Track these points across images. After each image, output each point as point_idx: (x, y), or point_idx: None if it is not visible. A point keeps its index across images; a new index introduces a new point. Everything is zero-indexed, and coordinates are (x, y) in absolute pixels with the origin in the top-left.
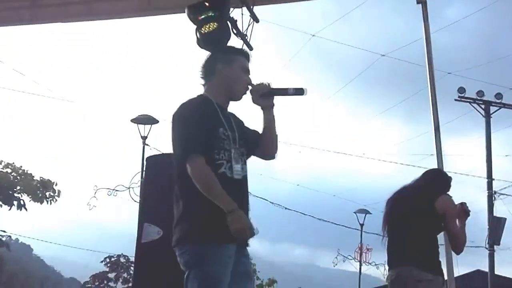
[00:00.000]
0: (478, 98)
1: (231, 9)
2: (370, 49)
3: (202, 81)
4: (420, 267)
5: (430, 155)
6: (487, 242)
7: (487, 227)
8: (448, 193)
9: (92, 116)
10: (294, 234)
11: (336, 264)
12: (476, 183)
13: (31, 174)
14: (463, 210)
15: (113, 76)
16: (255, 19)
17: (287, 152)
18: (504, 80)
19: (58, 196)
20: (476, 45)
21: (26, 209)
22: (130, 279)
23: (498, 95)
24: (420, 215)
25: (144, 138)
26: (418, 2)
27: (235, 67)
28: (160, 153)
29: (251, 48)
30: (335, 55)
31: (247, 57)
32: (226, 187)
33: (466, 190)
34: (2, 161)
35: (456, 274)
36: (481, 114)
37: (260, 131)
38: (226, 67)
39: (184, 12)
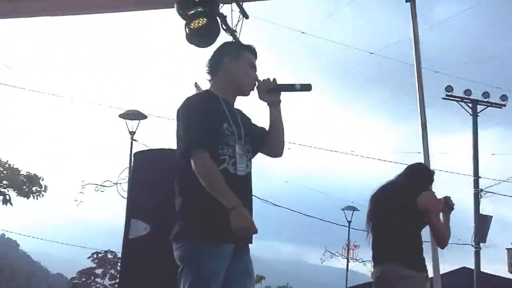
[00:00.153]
0: (466, 96)
1: (221, 4)
2: (360, 47)
3: (208, 77)
4: (403, 264)
5: (417, 152)
6: (473, 240)
7: (474, 225)
8: (431, 188)
9: (80, 111)
10: (282, 230)
11: (324, 261)
12: (463, 181)
13: (17, 168)
14: (447, 204)
15: (102, 71)
16: (244, 15)
17: None
18: (491, 79)
19: (45, 191)
20: (464, 45)
21: (11, 204)
22: (117, 275)
23: (485, 94)
24: (403, 211)
25: (132, 133)
26: (406, 1)
27: (241, 62)
28: (148, 148)
29: None
30: (325, 52)
31: (254, 53)
32: (229, 183)
33: (452, 188)
34: None
35: (442, 271)
36: (468, 112)
37: (267, 128)
38: (232, 62)
39: (173, 7)
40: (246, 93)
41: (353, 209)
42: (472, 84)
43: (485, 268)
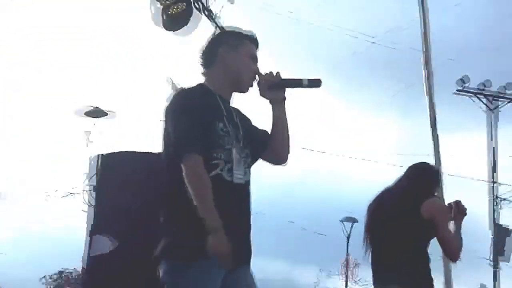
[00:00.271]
0: (481, 90)
1: None
2: (359, 31)
3: (202, 69)
4: (407, 285)
5: (426, 155)
6: (490, 256)
7: (491, 236)
8: (437, 190)
9: (37, 108)
10: (271, 245)
11: (318, 284)
12: (478, 187)
13: None
14: (458, 210)
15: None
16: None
17: None
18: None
19: None
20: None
21: None
22: None
23: (505, 87)
24: (404, 223)
25: (88, 133)
26: None
27: (240, 52)
28: (111, 151)
29: (223, 31)
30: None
31: (255, 43)
32: (222, 191)
33: (466, 195)
34: None
35: None
36: (485, 108)
37: (269, 130)
38: (229, 52)
39: None
40: (244, 89)
41: (353, 220)
42: (490, 75)
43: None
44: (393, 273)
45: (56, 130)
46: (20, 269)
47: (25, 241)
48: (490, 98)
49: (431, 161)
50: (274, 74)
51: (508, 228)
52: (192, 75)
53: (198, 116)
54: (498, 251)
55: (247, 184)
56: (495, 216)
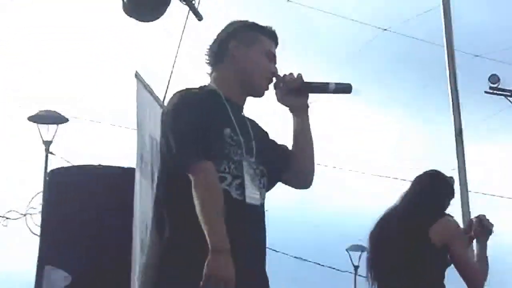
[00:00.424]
0: None
1: None
2: (368, 20)
3: (209, 69)
4: None
5: (451, 169)
6: None
7: None
8: (448, 207)
9: None
10: None
11: None
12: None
13: None
14: (481, 226)
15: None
16: None
17: None
18: None
19: None
20: None
21: None
22: None
23: None
24: (412, 252)
25: (47, 143)
26: None
27: (254, 49)
28: (70, 165)
29: (199, 18)
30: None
31: (273, 38)
32: (230, 212)
33: (500, 216)
34: None
35: None
36: None
37: (290, 145)
38: (241, 48)
39: None
40: (258, 92)
41: (362, 248)
42: None
43: None
44: None
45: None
46: None
47: None
48: None
49: (455, 176)
50: (295, 75)
51: None
52: (164, 68)
53: (202, 119)
54: None
55: (262, 206)
56: None
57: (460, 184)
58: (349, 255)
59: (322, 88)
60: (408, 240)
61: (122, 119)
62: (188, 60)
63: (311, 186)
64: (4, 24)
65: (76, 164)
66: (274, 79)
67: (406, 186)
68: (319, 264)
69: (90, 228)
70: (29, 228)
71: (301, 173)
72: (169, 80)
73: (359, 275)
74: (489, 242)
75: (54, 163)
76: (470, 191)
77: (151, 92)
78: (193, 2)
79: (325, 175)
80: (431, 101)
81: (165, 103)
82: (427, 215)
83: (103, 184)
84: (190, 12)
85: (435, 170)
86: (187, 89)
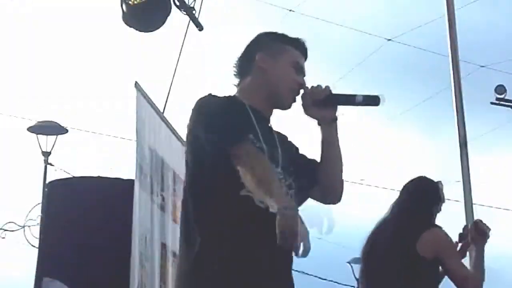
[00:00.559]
0: None
1: None
2: (372, 30)
3: (235, 80)
4: None
5: (455, 181)
6: None
7: None
8: (438, 216)
9: None
10: None
11: None
12: None
13: None
14: (477, 231)
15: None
16: None
17: None
18: None
19: None
20: None
21: None
22: None
23: None
24: (403, 268)
25: (46, 154)
26: None
27: (282, 61)
28: (69, 176)
29: (200, 28)
30: (323, 38)
31: (302, 50)
32: (252, 219)
33: (507, 230)
34: None
35: None
36: None
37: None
38: (268, 60)
39: None
40: (285, 105)
41: None
42: None
43: None
44: None
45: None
46: None
47: None
48: None
49: (459, 188)
50: (323, 87)
51: None
52: (164, 78)
53: (231, 112)
54: None
55: None
56: None
57: (464, 197)
58: (351, 268)
59: (349, 100)
60: (397, 255)
61: (122, 130)
62: (189, 70)
63: (340, 201)
64: (3, 34)
65: (75, 175)
66: (301, 91)
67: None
68: (320, 278)
69: (89, 240)
70: (28, 240)
71: (329, 188)
72: (169, 91)
73: None
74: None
75: (54, 175)
76: (475, 204)
77: (151, 103)
78: (194, 12)
79: None
80: (436, 112)
81: (165, 114)
82: (414, 228)
83: (102, 196)
84: (191, 22)
85: (421, 177)
86: (210, 94)
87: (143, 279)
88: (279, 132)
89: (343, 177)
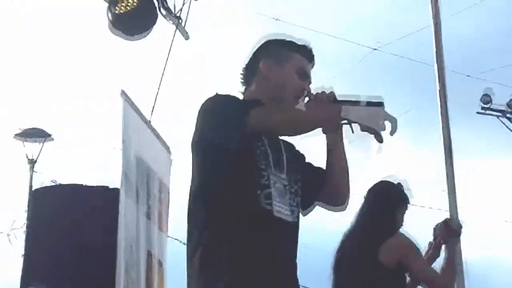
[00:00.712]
0: (510, 110)
1: None
2: (359, 40)
3: (241, 87)
4: None
5: (441, 191)
6: None
7: None
8: (402, 223)
9: None
10: None
11: None
12: (509, 230)
13: None
14: (448, 229)
15: None
16: None
17: None
18: None
19: None
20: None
21: None
22: None
23: None
24: (366, 279)
25: (32, 161)
26: None
27: (286, 67)
28: (55, 184)
29: (186, 36)
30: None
31: (309, 57)
32: (258, 221)
33: (492, 239)
34: None
35: None
36: None
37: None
38: (273, 66)
39: None
40: None
41: None
42: None
43: None
44: None
45: None
46: None
47: None
48: None
49: (445, 197)
50: (327, 93)
51: None
52: (150, 86)
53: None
54: None
55: (294, 225)
56: None
57: (450, 205)
58: None
59: (353, 105)
60: (362, 265)
61: (108, 137)
62: (175, 78)
63: (346, 207)
64: None
65: (61, 183)
66: (306, 98)
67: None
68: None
69: (74, 248)
70: (13, 248)
71: (335, 195)
72: (155, 99)
73: None
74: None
75: (40, 182)
76: (459, 211)
77: (137, 111)
78: (180, 21)
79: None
80: (422, 120)
81: (152, 122)
82: (377, 235)
83: (88, 204)
84: (177, 30)
85: (382, 182)
86: (216, 93)
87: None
88: (285, 141)
89: (349, 184)
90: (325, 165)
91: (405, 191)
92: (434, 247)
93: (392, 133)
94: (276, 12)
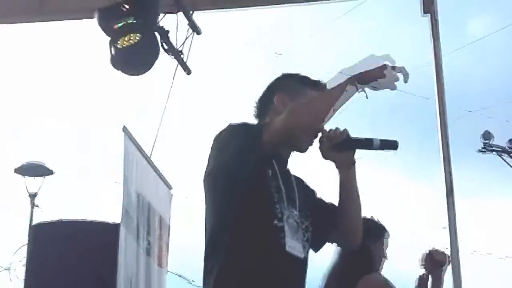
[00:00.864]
0: (510, 147)
1: (161, 15)
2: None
3: (255, 121)
4: None
5: (442, 228)
6: None
7: None
8: (381, 263)
9: None
10: None
11: None
12: (510, 268)
13: None
14: (434, 261)
15: None
16: (195, 29)
17: None
18: None
19: None
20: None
21: None
22: None
23: None
24: None
25: (32, 196)
26: (425, 12)
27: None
28: (55, 220)
29: (188, 71)
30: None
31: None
32: (271, 253)
33: (494, 277)
34: None
35: None
36: None
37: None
38: (287, 101)
39: (94, 17)
40: (303, 147)
41: None
42: None
43: None
44: None
45: None
46: None
47: None
48: None
49: (446, 236)
50: (341, 130)
51: None
52: (151, 122)
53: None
54: None
55: (305, 261)
56: None
57: (450, 243)
58: None
59: (366, 144)
60: None
61: (109, 173)
62: (177, 114)
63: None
64: None
65: (62, 218)
66: (319, 134)
67: (393, 246)
68: None
69: (74, 284)
70: (12, 283)
71: (348, 232)
72: (156, 134)
73: None
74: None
75: (40, 217)
76: (458, 249)
77: (138, 147)
78: (182, 56)
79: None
80: (424, 156)
81: (152, 158)
82: (351, 275)
83: (88, 240)
84: (179, 65)
85: (366, 219)
86: (229, 124)
87: None
88: (296, 176)
89: (360, 221)
90: (337, 200)
91: (378, 224)
92: (422, 282)
93: (405, 80)
94: (278, 47)
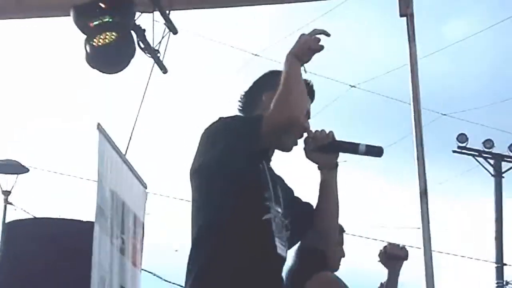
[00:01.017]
0: (486, 150)
1: (138, 13)
2: (336, 77)
3: (239, 114)
4: None
5: (417, 228)
6: None
7: None
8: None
9: None
10: None
11: None
12: (481, 270)
13: None
14: (389, 255)
15: None
16: (172, 29)
17: None
18: None
19: None
20: (483, 77)
21: None
22: None
23: (510, 148)
24: None
25: (6, 193)
26: (401, 15)
27: None
28: (30, 217)
29: (164, 70)
30: None
31: (310, 93)
32: (265, 254)
33: (466, 278)
34: None
35: None
36: (489, 172)
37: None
38: None
39: (69, 15)
40: (286, 147)
41: None
42: (496, 133)
43: None
44: None
45: None
46: None
47: None
48: (499, 158)
49: (419, 236)
50: (327, 133)
51: None
52: (126, 120)
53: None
54: None
55: (284, 260)
56: None
57: (424, 243)
58: None
59: (352, 148)
60: None
61: (84, 171)
62: (152, 112)
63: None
64: None
65: (35, 215)
66: (305, 134)
67: (373, 244)
68: None
69: (46, 281)
70: None
71: (323, 233)
72: (131, 133)
73: None
74: None
75: (14, 214)
76: (433, 250)
77: (113, 145)
78: (158, 54)
79: None
80: (399, 158)
81: (127, 157)
82: (304, 274)
83: (62, 238)
84: (155, 64)
85: None
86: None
87: None
88: (277, 174)
89: (337, 224)
90: (316, 201)
91: None
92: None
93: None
94: (254, 47)
